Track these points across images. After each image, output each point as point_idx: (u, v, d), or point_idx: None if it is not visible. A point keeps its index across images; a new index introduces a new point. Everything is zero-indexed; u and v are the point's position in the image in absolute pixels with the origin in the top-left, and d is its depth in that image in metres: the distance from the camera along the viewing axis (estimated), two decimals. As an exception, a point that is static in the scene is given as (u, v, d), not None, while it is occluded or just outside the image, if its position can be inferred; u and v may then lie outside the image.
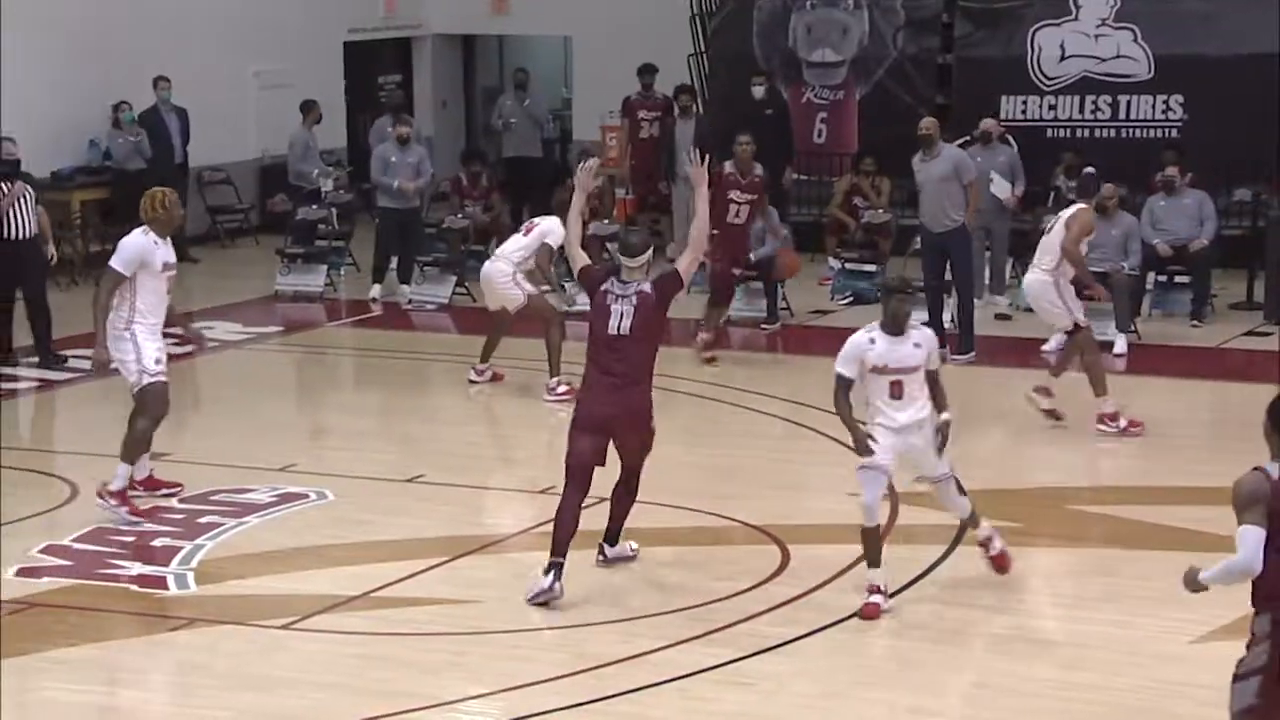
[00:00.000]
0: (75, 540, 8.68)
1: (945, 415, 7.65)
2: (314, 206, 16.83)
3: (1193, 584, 5.21)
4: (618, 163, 18.40)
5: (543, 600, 7.67)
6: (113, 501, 8.96)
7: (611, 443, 7.84)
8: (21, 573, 8.20)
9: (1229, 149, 15.38)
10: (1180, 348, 13.41)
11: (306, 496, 9.47)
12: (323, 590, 8.00)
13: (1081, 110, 16.97)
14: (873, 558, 7.62)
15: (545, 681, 6.89)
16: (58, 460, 10.45)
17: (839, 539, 8.51)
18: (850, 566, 8.16)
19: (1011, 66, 17.14)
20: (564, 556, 7.71)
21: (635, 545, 8.36)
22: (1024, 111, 17.16)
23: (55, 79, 16.54)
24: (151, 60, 17.34)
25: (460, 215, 16.24)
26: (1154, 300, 14.34)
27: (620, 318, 7.82)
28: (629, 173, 17.85)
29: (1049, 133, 17.03)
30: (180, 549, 8.54)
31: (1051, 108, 17.09)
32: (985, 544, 8.00)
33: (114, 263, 8.98)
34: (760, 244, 14.49)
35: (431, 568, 8.29)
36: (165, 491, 9.37)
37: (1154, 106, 16.67)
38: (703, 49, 18.76)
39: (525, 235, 12.16)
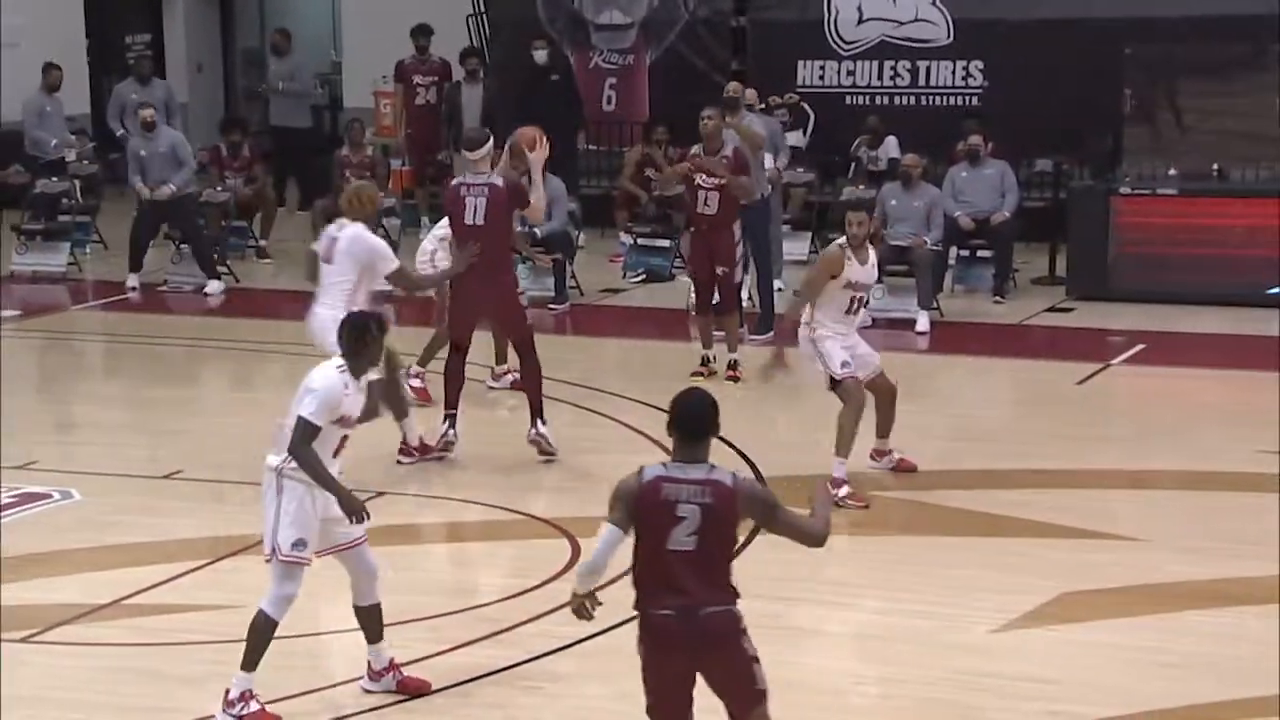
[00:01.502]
0: None
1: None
2: (55, 179, 16.41)
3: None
4: (392, 131, 18.28)
5: (443, 446, 9.70)
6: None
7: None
8: None
9: (1030, 118, 15.91)
10: (983, 324, 13.85)
11: (49, 496, 9.28)
12: (69, 599, 7.85)
13: (881, 76, 17.38)
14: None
15: (316, 691, 6.86)
16: None
17: (631, 531, 8.62)
18: (643, 560, 8.26)
19: (808, 30, 17.47)
20: (456, 408, 9.81)
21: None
22: (822, 78, 17.52)
23: None
24: None
25: (220, 189, 15.97)
26: (956, 275, 14.78)
27: (474, 210, 9.68)
28: (405, 142, 17.75)
29: (848, 100, 17.41)
30: (-94, 558, 8.29)
31: (850, 73, 17.47)
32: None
33: None
34: (547, 219, 14.55)
35: (191, 571, 8.19)
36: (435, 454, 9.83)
37: (954, 73, 17.16)
38: (482, 9, 18.72)
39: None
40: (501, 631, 7.49)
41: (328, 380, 6.55)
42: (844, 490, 9.11)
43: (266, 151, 17.81)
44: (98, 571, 8.24)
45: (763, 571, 8.20)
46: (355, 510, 6.59)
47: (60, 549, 8.52)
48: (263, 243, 16.51)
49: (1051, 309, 14.22)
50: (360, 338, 6.62)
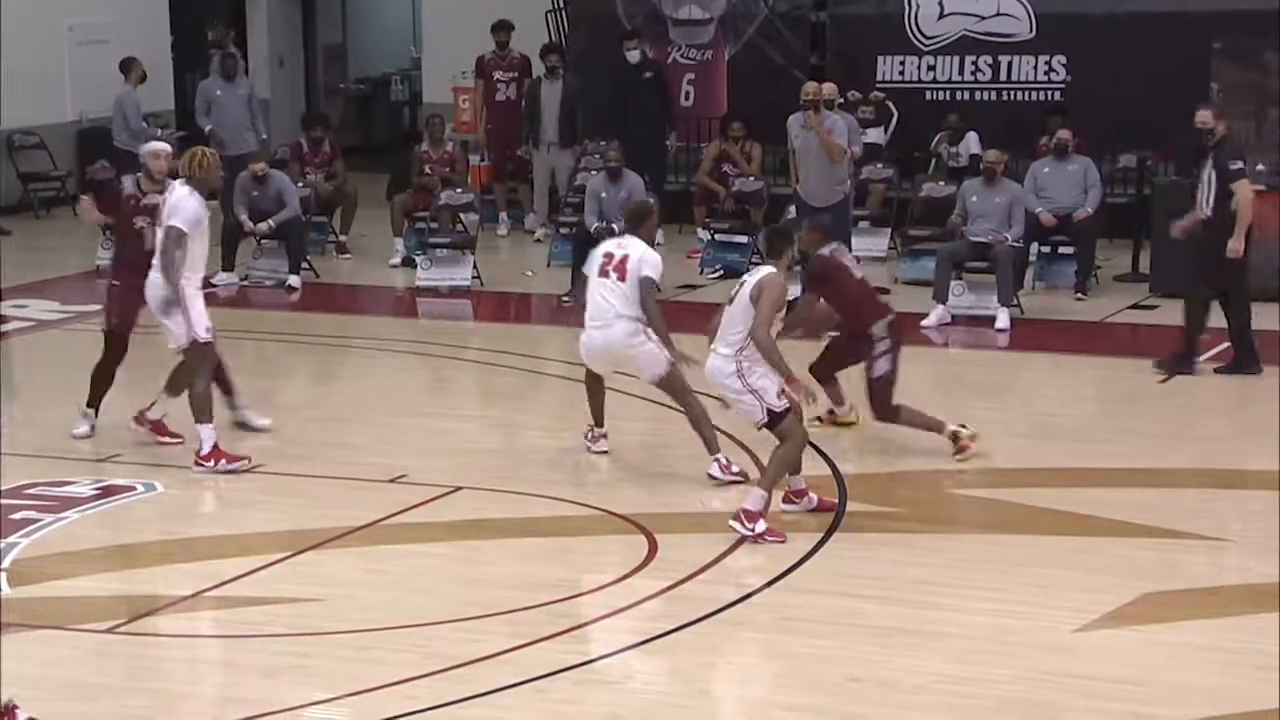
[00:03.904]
0: (-128, 541, 8.46)
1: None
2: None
3: None
4: (472, 127, 18.33)
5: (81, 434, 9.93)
6: (211, 464, 9.55)
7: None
8: None
9: (1114, 113, 15.72)
10: (1064, 322, 13.70)
11: (133, 489, 9.33)
12: (151, 590, 7.90)
13: (962, 71, 17.23)
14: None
15: (395, 684, 6.86)
16: None
17: (709, 528, 8.58)
18: (720, 558, 8.23)
19: (888, 25, 17.35)
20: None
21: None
22: (902, 73, 17.39)
23: None
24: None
25: (301, 184, 16.06)
26: (1037, 272, 14.62)
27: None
28: (484, 138, 17.79)
29: (928, 95, 17.28)
30: (-8, 548, 8.37)
31: (930, 69, 17.33)
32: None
33: None
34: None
35: (271, 564, 8.21)
36: (168, 439, 9.95)
37: (1036, 68, 16.99)
38: (562, 5, 18.73)
39: None
40: (578, 627, 7.47)
41: None
42: (761, 526, 8.38)
43: (347, 147, 17.88)
44: (179, 564, 8.29)
45: (842, 569, 8.18)
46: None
47: (143, 541, 8.59)
48: (342, 238, 16.59)
49: (1134, 306, 14.04)
50: None
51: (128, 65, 17.11)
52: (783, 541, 8.39)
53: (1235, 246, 11.50)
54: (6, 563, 8.21)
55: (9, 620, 7.53)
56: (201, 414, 9.67)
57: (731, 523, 8.38)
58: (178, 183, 9.77)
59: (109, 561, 8.29)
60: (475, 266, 15.02)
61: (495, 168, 17.78)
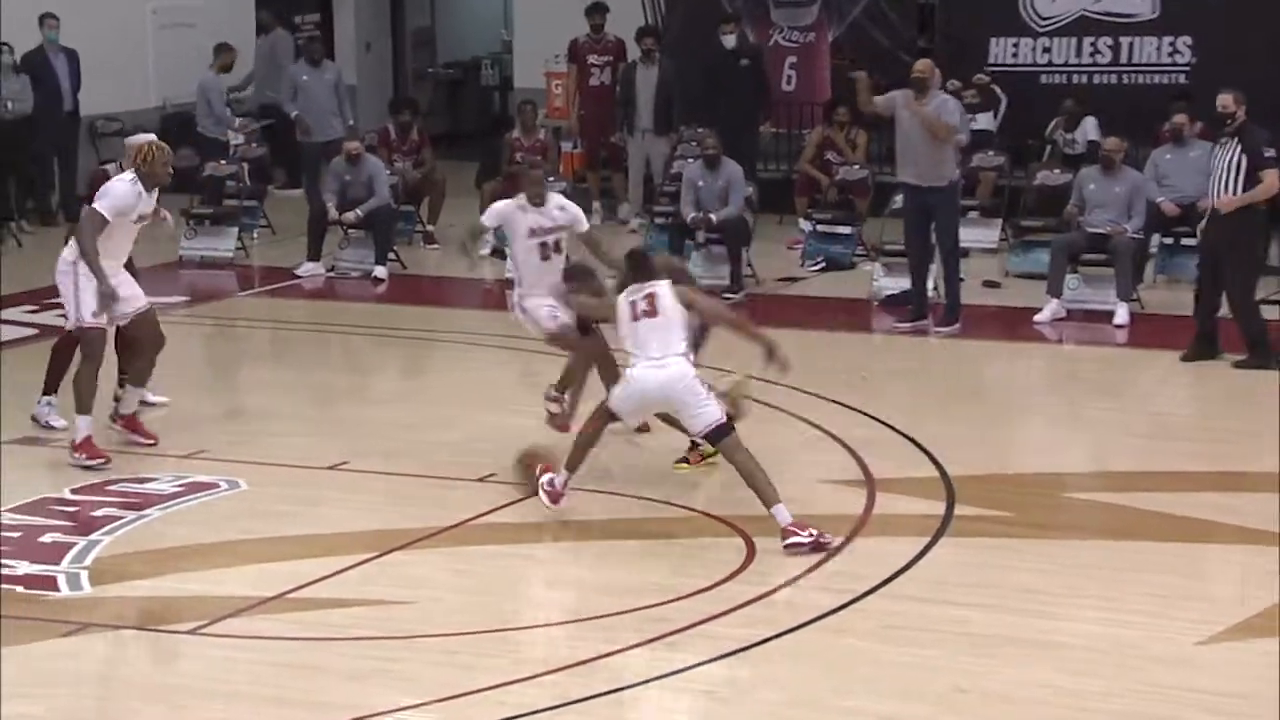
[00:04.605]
0: (-45, 537, 8.63)
1: None
2: (223, 162, 16.76)
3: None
4: (564, 113, 18.39)
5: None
6: (80, 455, 9.68)
7: None
8: (-106, 573, 8.15)
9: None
10: (1187, 317, 13.48)
11: (216, 486, 9.44)
12: (235, 591, 7.98)
13: (1079, 54, 17.06)
14: None
15: (484, 690, 6.90)
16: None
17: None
18: (820, 563, 8.21)
19: (1001, 5, 17.20)
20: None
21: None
22: (1015, 55, 17.24)
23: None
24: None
25: (389, 172, 16.18)
26: (1159, 265, 14.44)
27: None
28: (577, 124, 17.84)
29: (1043, 79, 17.12)
30: (73, 545, 8.50)
31: (1046, 51, 17.17)
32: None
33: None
34: (722, 203, 14.53)
35: (357, 564, 8.28)
36: (141, 439, 10.10)
37: (1159, 50, 16.78)
38: (658, -14, 18.75)
39: None
40: (673, 633, 7.47)
41: None
42: None
43: (436, 134, 17.99)
44: (263, 564, 8.37)
45: (949, 576, 8.13)
46: None
47: (226, 540, 8.69)
48: (430, 228, 16.69)
49: (1264, 301, 13.82)
50: None
51: (220, 50, 17.33)
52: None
53: (1229, 200, 11.67)
54: (89, 560, 8.34)
55: (90, 620, 7.67)
56: (82, 403, 9.80)
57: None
58: (124, 173, 9.92)
59: (191, 560, 8.39)
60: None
61: (588, 155, 17.83)
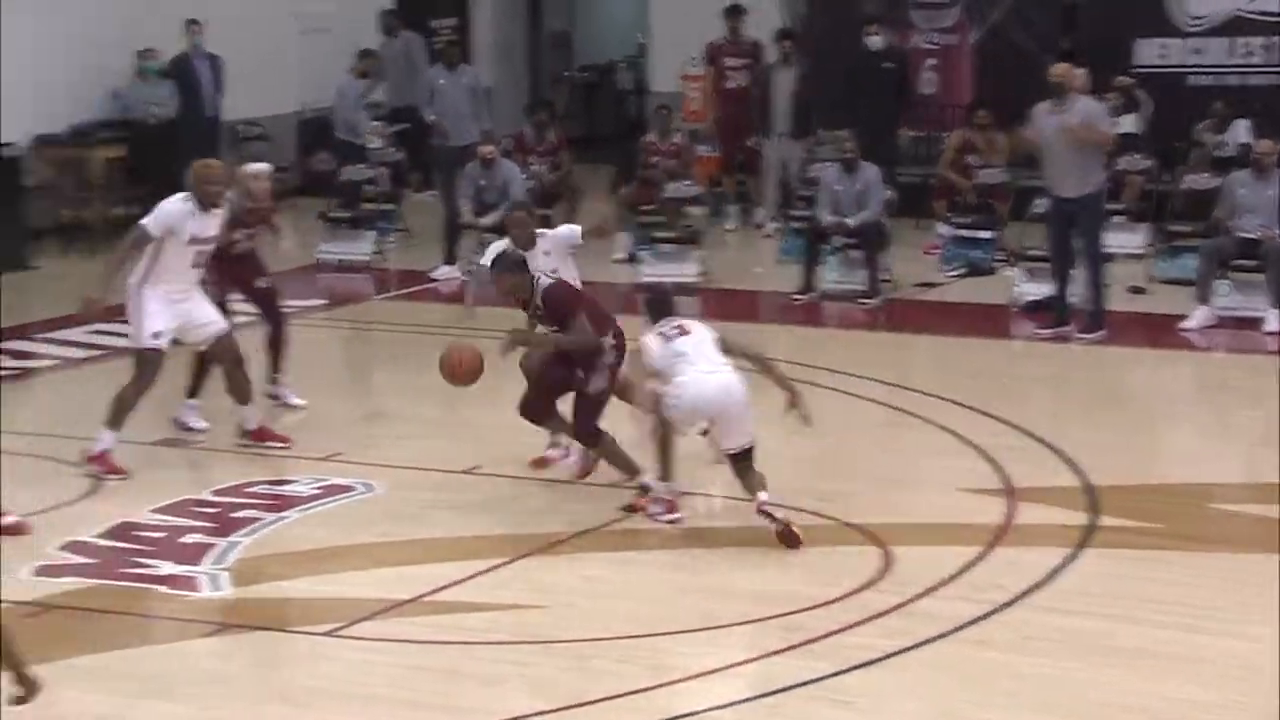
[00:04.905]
0: (99, 536, 8.83)
1: None
2: (361, 165, 16.99)
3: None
4: (701, 117, 18.42)
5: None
6: (95, 467, 9.64)
7: None
8: (40, 572, 8.35)
9: None
10: (1341, 324, 13.27)
11: (352, 489, 9.58)
12: (371, 593, 8.08)
13: (1231, 54, 16.78)
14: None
15: (619, 697, 6.95)
16: (76, 448, 10.61)
17: (949, 540, 8.51)
18: (960, 572, 8.16)
19: (1148, 5, 16.98)
20: None
21: None
22: (1163, 57, 17.00)
23: (74, 22, 16.76)
24: (182, 1, 17.53)
25: (525, 175, 16.31)
26: (1313, 271, 14.17)
27: None
28: (713, 128, 17.87)
29: (1190, 80, 16.87)
30: (213, 546, 8.67)
31: (1196, 52, 16.92)
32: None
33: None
34: (859, 207, 14.49)
35: (492, 569, 8.36)
36: (275, 444, 10.18)
37: (1317, 50, 16.49)
38: (796, -12, 18.74)
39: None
40: (810, 641, 7.47)
41: None
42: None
43: (571, 137, 18.10)
44: (398, 567, 8.48)
45: (1091, 587, 8.04)
46: None
47: (362, 542, 8.81)
48: (566, 232, 16.75)
49: None
50: None
51: (364, 55, 17.57)
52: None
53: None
54: (229, 561, 8.50)
55: (230, 620, 7.83)
56: (113, 418, 9.74)
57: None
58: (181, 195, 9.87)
59: (329, 562, 8.51)
60: (702, 262, 15.11)
61: (724, 159, 17.85)
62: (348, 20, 19.19)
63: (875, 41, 16.75)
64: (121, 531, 8.91)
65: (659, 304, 9.21)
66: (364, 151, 17.36)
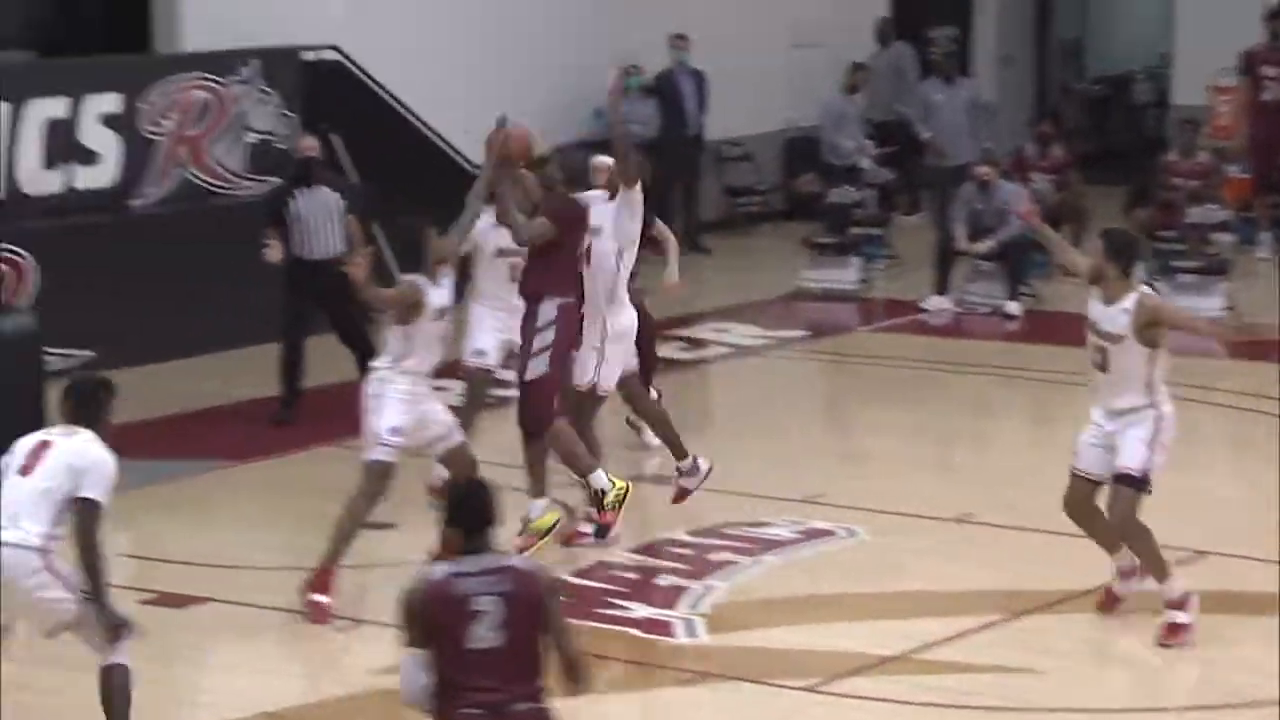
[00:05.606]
0: (575, 575, 9.13)
1: None
2: (849, 188, 17.11)
3: None
4: (1230, 133, 17.84)
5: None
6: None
7: None
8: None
9: None
10: None
11: (833, 534, 9.68)
12: (853, 647, 8.14)
13: None
14: None
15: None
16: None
17: None
18: None
19: None
20: None
21: None
22: None
23: (558, 40, 17.40)
24: (672, 12, 17.92)
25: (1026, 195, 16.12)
26: None
27: None
28: (1245, 145, 17.28)
29: None
30: (688, 590, 8.89)
31: None
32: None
33: None
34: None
35: (984, 627, 8.32)
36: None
37: None
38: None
39: None
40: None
41: None
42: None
43: (1083, 155, 17.75)
44: (882, 620, 8.52)
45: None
46: None
47: (842, 591, 8.89)
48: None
49: None
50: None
51: (853, 71, 17.70)
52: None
53: None
54: (704, 606, 8.69)
55: (706, 669, 8.01)
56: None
57: None
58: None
59: (807, 612, 8.62)
60: (1229, 295, 14.63)
61: (1258, 180, 17.23)
62: (842, 30, 19.24)
63: None
64: (597, 571, 9.22)
65: None
66: (849, 173, 17.45)
